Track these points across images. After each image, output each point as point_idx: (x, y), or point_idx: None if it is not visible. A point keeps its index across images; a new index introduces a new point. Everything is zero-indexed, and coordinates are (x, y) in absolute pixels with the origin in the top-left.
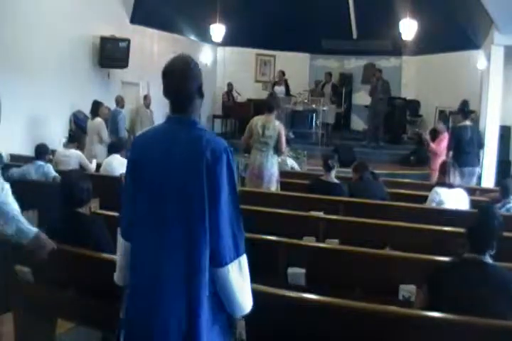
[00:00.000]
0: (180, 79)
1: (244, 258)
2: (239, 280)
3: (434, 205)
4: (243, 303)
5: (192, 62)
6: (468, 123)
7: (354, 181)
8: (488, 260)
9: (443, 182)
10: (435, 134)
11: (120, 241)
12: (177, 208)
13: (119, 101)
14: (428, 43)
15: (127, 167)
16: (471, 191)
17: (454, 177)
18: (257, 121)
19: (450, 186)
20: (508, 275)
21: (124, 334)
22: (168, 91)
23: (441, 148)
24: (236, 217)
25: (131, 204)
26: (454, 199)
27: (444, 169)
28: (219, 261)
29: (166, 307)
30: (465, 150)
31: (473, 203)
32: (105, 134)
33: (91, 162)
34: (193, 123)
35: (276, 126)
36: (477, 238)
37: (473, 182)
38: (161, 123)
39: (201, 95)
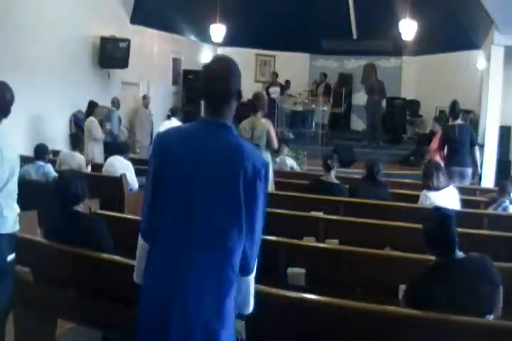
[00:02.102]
0: (223, 80)
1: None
2: (253, 284)
3: None
4: (252, 303)
5: (235, 64)
6: (458, 122)
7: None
8: (459, 254)
9: (428, 186)
10: (432, 136)
11: (139, 242)
12: (211, 217)
13: (115, 102)
14: (428, 43)
15: (153, 166)
16: (470, 191)
17: (438, 180)
18: (245, 124)
19: (436, 188)
20: (479, 262)
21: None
22: (207, 91)
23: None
24: (261, 230)
25: (154, 205)
26: (443, 200)
27: (426, 173)
28: (247, 271)
29: (194, 303)
30: (453, 149)
31: (474, 203)
32: (97, 132)
33: (88, 163)
34: (230, 129)
35: (263, 125)
36: (444, 245)
37: (465, 182)
38: (192, 123)
39: (239, 98)
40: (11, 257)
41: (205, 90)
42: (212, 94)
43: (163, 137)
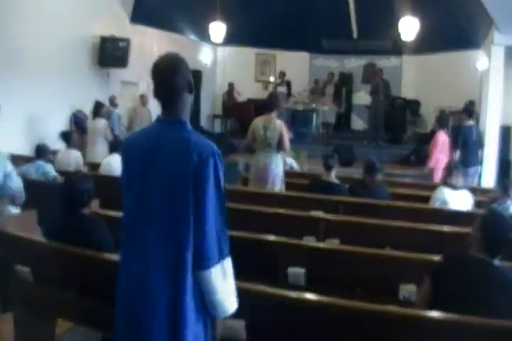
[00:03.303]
0: (167, 76)
1: (227, 261)
2: (221, 282)
3: (438, 204)
4: (225, 305)
5: (178, 59)
6: (471, 123)
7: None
8: (496, 262)
9: (447, 183)
10: (432, 135)
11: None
12: (161, 208)
13: (113, 101)
14: (428, 43)
15: (121, 167)
16: (471, 191)
17: (457, 179)
18: (258, 122)
19: (454, 187)
20: (507, 274)
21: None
22: (156, 88)
23: (436, 145)
24: (221, 221)
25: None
26: (458, 200)
27: (449, 169)
28: (202, 264)
29: (152, 306)
30: (471, 150)
31: (474, 203)
32: (110, 134)
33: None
34: (182, 124)
35: (277, 126)
36: (494, 243)
37: (475, 181)
38: (151, 124)
39: (190, 91)
40: None
41: (154, 88)
42: (160, 92)
43: (127, 141)
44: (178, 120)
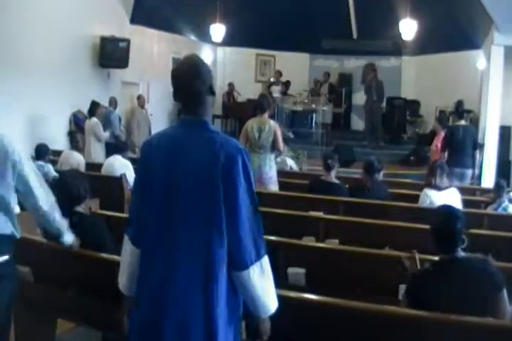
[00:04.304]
0: (189, 79)
1: (265, 260)
2: (261, 282)
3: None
4: (267, 304)
5: (200, 62)
6: (462, 123)
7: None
8: (460, 254)
9: (431, 184)
10: (433, 135)
11: (128, 248)
12: (191, 212)
13: (112, 102)
14: (428, 43)
15: (137, 172)
16: (470, 191)
17: (441, 180)
18: (252, 124)
19: (438, 188)
20: (481, 263)
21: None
22: (177, 92)
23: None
24: (254, 219)
25: (141, 210)
26: (444, 200)
27: (431, 171)
28: (240, 265)
29: (181, 311)
30: (456, 150)
31: (474, 203)
32: (101, 133)
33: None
34: (205, 124)
35: (271, 127)
36: (446, 240)
37: (465, 183)
38: (172, 126)
39: (213, 93)
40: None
41: (175, 92)
42: (183, 94)
43: (145, 144)
44: (200, 120)
